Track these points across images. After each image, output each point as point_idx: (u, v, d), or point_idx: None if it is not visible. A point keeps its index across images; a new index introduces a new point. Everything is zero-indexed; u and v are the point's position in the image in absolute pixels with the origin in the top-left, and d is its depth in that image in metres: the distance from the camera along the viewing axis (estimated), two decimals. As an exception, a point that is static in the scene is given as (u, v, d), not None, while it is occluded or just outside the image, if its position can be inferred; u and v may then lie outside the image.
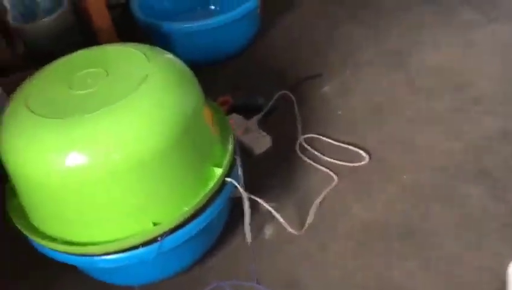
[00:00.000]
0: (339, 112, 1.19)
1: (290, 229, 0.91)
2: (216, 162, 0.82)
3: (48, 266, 0.85)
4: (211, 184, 0.80)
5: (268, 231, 0.96)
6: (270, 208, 0.89)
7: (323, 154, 1.09)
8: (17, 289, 0.94)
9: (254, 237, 0.91)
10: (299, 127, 1.15)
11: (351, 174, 1.04)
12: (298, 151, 1.11)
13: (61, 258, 0.79)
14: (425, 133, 1.10)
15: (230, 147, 0.86)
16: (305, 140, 1.13)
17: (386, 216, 0.95)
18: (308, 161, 1.08)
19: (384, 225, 0.94)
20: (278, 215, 0.90)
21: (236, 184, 0.83)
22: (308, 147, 1.11)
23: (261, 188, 0.93)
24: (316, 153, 1.10)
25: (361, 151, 1.08)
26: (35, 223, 0.80)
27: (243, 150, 1.04)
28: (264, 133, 1.13)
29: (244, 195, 0.84)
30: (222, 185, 0.82)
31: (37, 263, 0.87)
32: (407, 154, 1.06)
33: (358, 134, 1.12)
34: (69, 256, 0.77)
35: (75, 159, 0.70)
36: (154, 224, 0.75)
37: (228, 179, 0.82)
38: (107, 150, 0.70)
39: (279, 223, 0.91)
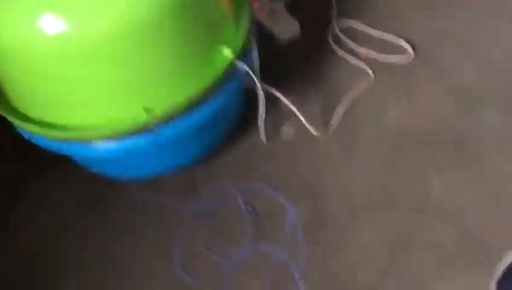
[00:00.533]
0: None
1: (312, 130, 0.78)
2: (226, 43, 0.68)
3: (38, 153, 0.75)
4: (218, 67, 0.66)
5: (287, 131, 0.83)
6: (288, 103, 0.75)
7: (360, 45, 0.92)
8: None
9: (270, 137, 0.79)
10: (334, 12, 0.97)
11: (390, 70, 0.88)
12: (330, 41, 0.94)
13: (42, 143, 0.69)
14: (492, 27, 0.91)
15: (245, 26, 0.70)
16: (340, 28, 0.95)
17: (428, 121, 0.81)
18: (342, 52, 0.92)
19: (424, 131, 0.79)
20: (297, 112, 0.76)
21: (248, 70, 0.68)
22: (343, 36, 0.94)
23: (284, 81, 0.79)
24: (351, 43, 0.93)
25: (404, 44, 0.90)
26: (15, 104, 0.69)
27: (265, 36, 0.88)
28: (292, 18, 0.96)
29: (258, 84, 0.70)
30: (232, 69, 0.68)
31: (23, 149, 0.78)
32: (462, 51, 0.88)
33: (405, 23, 0.94)
34: (49, 141, 0.67)
35: (49, 23, 0.56)
36: (147, 110, 0.63)
37: (239, 63, 0.68)
38: (89, 12, 0.56)
39: (301, 123, 0.78)
